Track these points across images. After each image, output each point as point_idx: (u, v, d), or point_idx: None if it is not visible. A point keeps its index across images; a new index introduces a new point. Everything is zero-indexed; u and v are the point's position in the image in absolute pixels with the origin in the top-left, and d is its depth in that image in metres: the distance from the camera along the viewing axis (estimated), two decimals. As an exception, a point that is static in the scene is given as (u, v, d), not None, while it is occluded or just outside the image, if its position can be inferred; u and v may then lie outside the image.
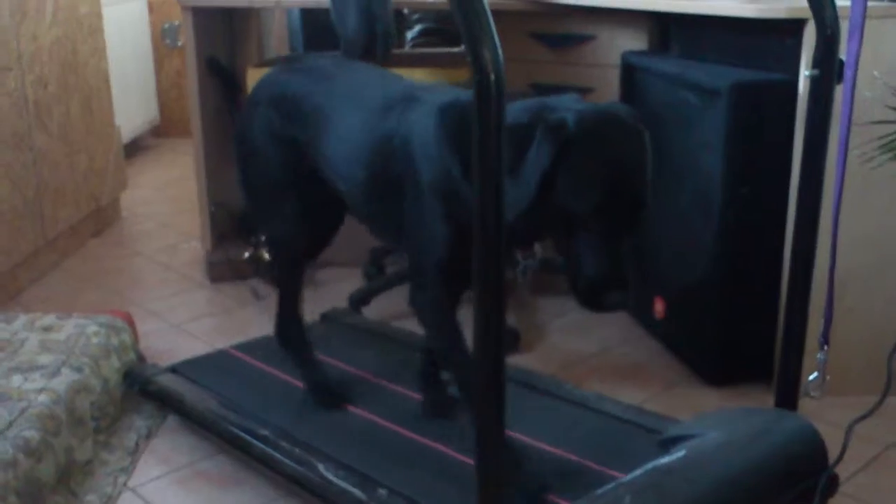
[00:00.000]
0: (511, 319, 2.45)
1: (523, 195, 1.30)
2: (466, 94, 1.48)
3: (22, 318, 2.18)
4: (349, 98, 1.73)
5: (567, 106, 1.35)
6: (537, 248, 2.56)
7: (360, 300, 2.59)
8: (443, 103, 1.53)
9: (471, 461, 1.17)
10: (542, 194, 1.30)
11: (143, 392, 2.05)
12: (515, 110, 1.35)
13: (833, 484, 1.49)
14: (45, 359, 1.96)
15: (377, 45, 2.44)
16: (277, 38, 3.69)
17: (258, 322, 2.52)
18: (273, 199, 1.89)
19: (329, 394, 1.93)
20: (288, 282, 1.99)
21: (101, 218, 3.46)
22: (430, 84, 1.73)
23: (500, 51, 1.02)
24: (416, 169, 1.54)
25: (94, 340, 2.06)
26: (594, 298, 1.33)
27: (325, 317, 2.39)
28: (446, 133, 1.49)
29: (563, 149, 1.29)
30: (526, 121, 1.32)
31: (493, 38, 1.02)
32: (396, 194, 1.59)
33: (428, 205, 1.53)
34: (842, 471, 1.50)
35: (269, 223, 1.94)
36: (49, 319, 2.16)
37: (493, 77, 1.02)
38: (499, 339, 1.11)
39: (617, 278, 1.31)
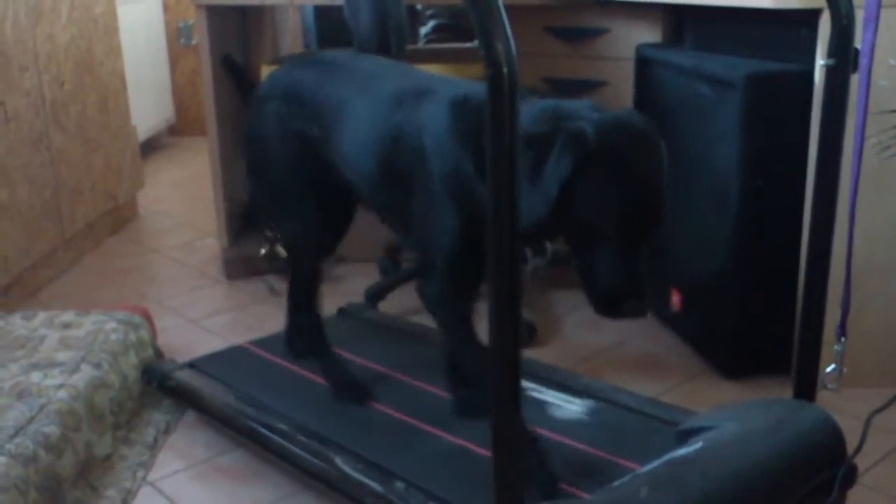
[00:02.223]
0: (527, 314, 2.45)
1: (541, 204, 1.30)
2: (480, 88, 1.47)
3: (41, 316, 2.20)
4: (361, 90, 1.71)
5: (584, 114, 1.34)
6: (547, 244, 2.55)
7: (375, 295, 2.59)
8: (456, 97, 1.52)
9: (488, 454, 1.17)
10: (560, 204, 1.30)
11: (161, 388, 2.06)
12: (531, 115, 1.35)
13: (852, 475, 1.48)
14: (64, 355, 1.97)
15: (391, 41, 2.45)
16: (291, 36, 3.71)
17: (274, 317, 2.53)
18: (286, 195, 1.88)
19: (354, 390, 1.91)
20: (303, 280, 1.98)
21: (119, 216, 3.49)
22: (444, 76, 1.72)
23: (513, 44, 1.02)
24: (426, 162, 1.53)
25: (113, 337, 2.07)
26: (611, 308, 1.34)
27: (342, 311, 2.40)
28: (459, 130, 1.48)
29: (583, 160, 1.28)
30: (545, 129, 1.32)
31: (506, 31, 1.02)
32: (406, 186, 1.58)
33: (438, 199, 1.53)
34: (861, 462, 1.49)
35: (283, 220, 1.93)
36: (68, 316, 2.18)
37: (506, 71, 1.02)
38: (514, 333, 1.11)
39: (633, 288, 1.32)
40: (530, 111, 1.35)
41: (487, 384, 1.62)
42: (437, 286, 1.60)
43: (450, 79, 1.67)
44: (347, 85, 1.75)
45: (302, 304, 2.00)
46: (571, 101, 1.42)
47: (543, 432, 1.69)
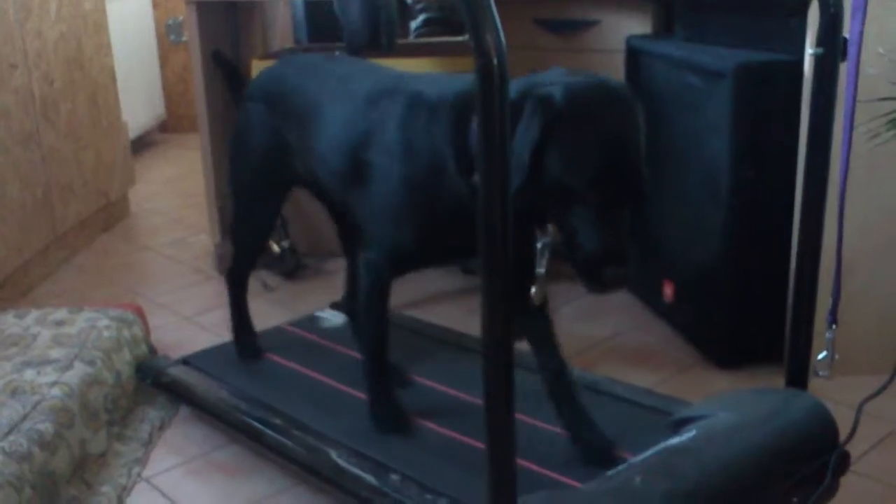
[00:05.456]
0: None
1: (516, 172, 1.29)
2: (461, 85, 1.49)
3: (34, 313, 2.20)
4: (336, 92, 1.75)
5: (555, 80, 1.35)
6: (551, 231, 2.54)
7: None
8: (437, 96, 1.52)
9: (481, 445, 1.17)
10: (535, 170, 1.30)
11: (155, 384, 2.06)
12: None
13: (845, 462, 1.48)
14: (57, 353, 1.97)
15: (381, 35, 2.44)
16: (282, 31, 3.69)
17: (267, 313, 2.53)
18: (254, 195, 1.97)
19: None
20: (241, 279, 2.13)
21: (111, 213, 3.48)
22: (420, 74, 1.73)
23: (502, 36, 1.02)
24: (393, 157, 1.56)
25: (106, 334, 2.07)
26: (593, 274, 1.31)
27: (335, 306, 2.40)
28: (442, 126, 1.49)
29: (553, 122, 1.29)
30: (514, 98, 1.32)
31: (495, 23, 1.02)
32: (369, 177, 1.62)
33: (399, 190, 1.56)
34: (853, 449, 1.50)
35: (244, 217, 2.03)
36: (61, 314, 2.18)
37: (496, 63, 1.02)
38: (508, 324, 1.11)
39: (615, 253, 1.30)
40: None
41: (367, 365, 1.74)
42: (373, 257, 1.66)
43: (427, 76, 1.68)
44: (323, 87, 1.79)
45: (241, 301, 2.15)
46: (545, 72, 1.42)
47: (538, 423, 1.70)
